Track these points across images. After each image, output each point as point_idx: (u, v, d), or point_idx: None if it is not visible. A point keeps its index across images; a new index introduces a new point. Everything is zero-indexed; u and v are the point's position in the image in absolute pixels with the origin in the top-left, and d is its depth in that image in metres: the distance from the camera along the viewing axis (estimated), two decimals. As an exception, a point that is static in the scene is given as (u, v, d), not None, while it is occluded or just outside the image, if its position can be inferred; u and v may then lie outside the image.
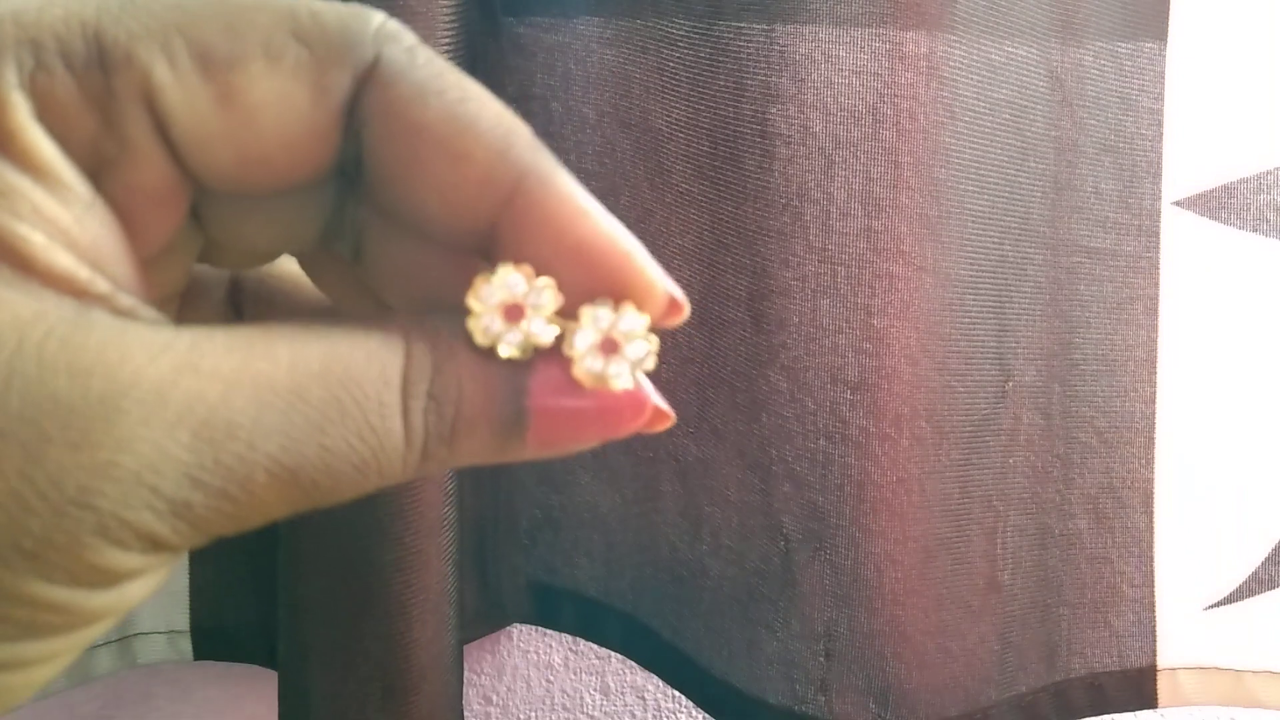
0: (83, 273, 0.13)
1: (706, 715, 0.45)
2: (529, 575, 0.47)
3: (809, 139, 0.37)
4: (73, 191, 0.13)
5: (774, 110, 0.37)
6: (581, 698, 0.50)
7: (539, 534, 0.47)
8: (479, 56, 0.41)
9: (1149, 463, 0.43)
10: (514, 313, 0.15)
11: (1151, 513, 0.43)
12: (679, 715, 0.47)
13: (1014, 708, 0.43)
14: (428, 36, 0.36)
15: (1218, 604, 0.43)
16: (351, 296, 0.18)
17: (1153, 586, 0.43)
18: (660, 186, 0.40)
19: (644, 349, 0.15)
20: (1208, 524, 0.43)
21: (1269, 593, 0.43)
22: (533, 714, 0.50)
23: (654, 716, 0.50)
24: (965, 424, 0.41)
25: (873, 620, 0.41)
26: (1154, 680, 0.43)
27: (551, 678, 0.50)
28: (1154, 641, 0.43)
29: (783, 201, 0.38)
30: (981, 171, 0.40)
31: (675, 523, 0.44)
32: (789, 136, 0.38)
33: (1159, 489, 0.43)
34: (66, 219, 0.13)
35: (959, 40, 0.38)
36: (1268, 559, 0.42)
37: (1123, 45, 0.41)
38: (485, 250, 0.15)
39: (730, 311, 0.40)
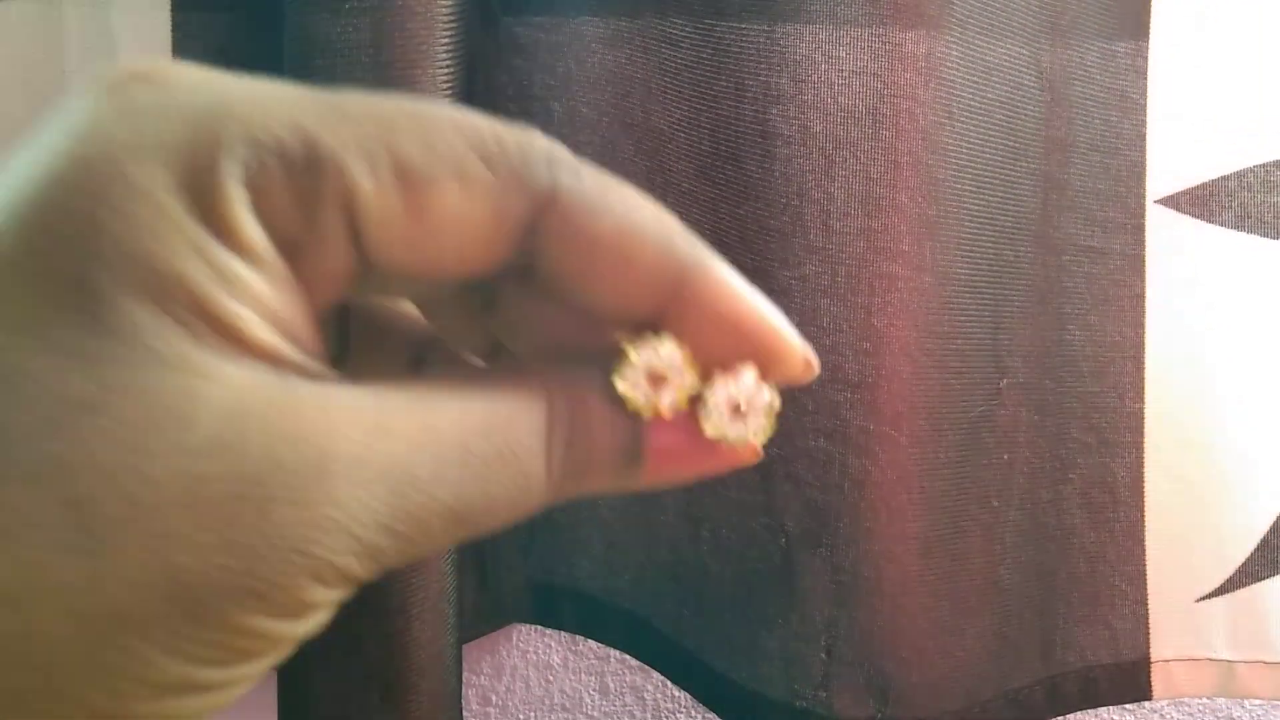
0: (284, 346, 0.15)
1: (707, 714, 0.45)
2: (529, 574, 0.47)
3: (809, 139, 0.38)
4: (277, 275, 0.15)
5: (774, 110, 0.38)
6: (581, 698, 0.50)
7: (539, 533, 0.47)
8: (479, 56, 0.41)
9: (1139, 457, 0.43)
10: (657, 380, 0.17)
11: (1142, 507, 0.44)
12: (678, 715, 0.47)
13: (1009, 703, 0.44)
14: (427, 36, 0.36)
15: (1208, 596, 0.44)
16: (464, 334, 0.20)
17: (1144, 580, 0.44)
18: (661, 186, 0.41)
19: (763, 425, 0.17)
20: (1197, 517, 0.43)
21: (1258, 584, 0.43)
22: (532, 714, 0.50)
23: (653, 717, 0.50)
24: (962, 421, 0.41)
25: (873, 618, 0.41)
26: (1148, 672, 0.44)
27: (551, 678, 0.50)
28: (1147, 634, 0.44)
29: (783, 201, 0.38)
30: (977, 171, 0.40)
31: (675, 522, 0.44)
32: (789, 137, 0.38)
33: (1149, 483, 0.43)
34: (272, 299, 0.15)
35: (956, 40, 0.39)
36: (1255, 550, 0.43)
37: (1106, 44, 0.42)
38: (643, 326, 0.18)
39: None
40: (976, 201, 0.41)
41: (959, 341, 0.41)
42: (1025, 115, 0.41)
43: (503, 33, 0.42)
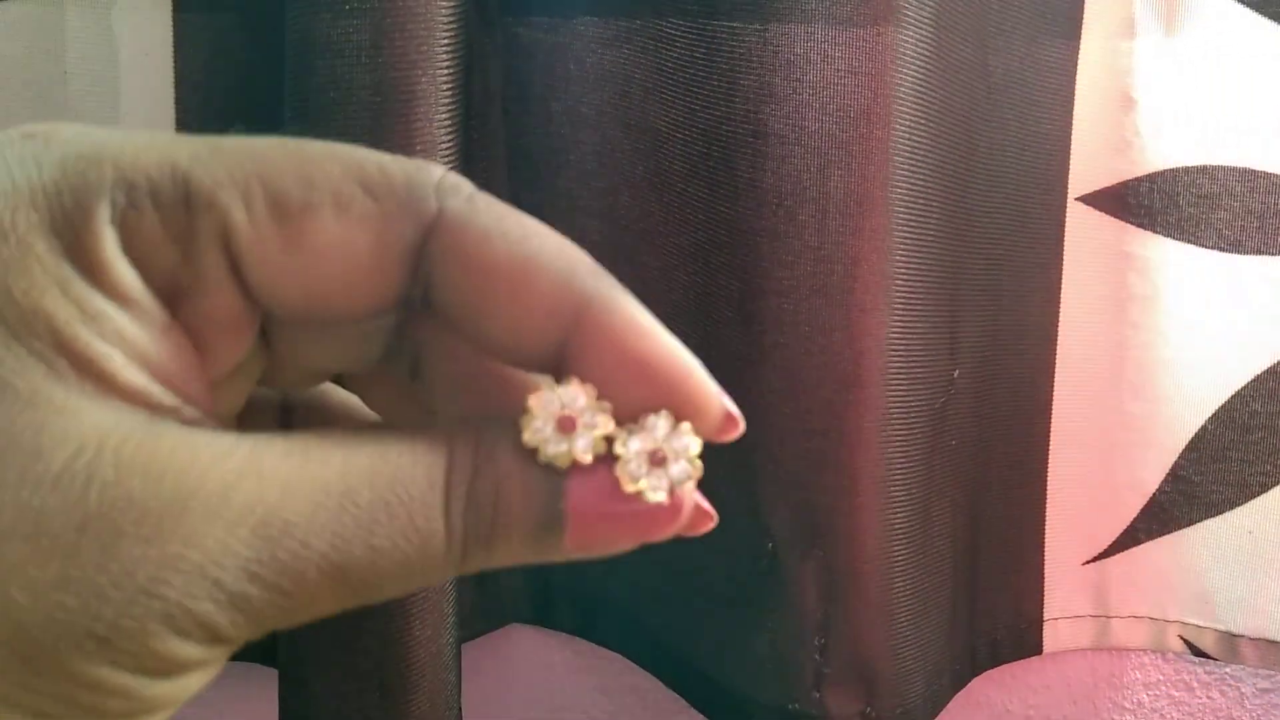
0: (155, 389, 0.15)
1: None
2: (528, 574, 0.47)
3: (804, 138, 0.38)
4: (150, 316, 0.15)
5: (769, 110, 0.38)
6: (581, 698, 0.50)
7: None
8: (479, 57, 0.41)
9: (1046, 431, 0.46)
10: (566, 425, 0.16)
11: (1045, 480, 0.47)
12: (679, 716, 0.47)
13: (952, 677, 0.46)
14: (427, 37, 0.36)
15: (1094, 559, 0.47)
16: (404, 413, 0.19)
17: (1044, 547, 0.47)
18: (658, 186, 0.41)
19: (687, 471, 0.16)
20: (1093, 488, 0.46)
21: (1137, 547, 0.46)
22: (532, 714, 0.50)
23: (654, 716, 0.50)
24: (927, 413, 0.43)
25: (866, 617, 0.41)
26: (1040, 631, 0.48)
27: (551, 678, 0.50)
28: (1041, 597, 0.47)
29: (777, 201, 0.38)
30: (966, 167, 0.41)
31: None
32: (784, 136, 0.38)
33: (1053, 457, 0.46)
34: (144, 340, 0.15)
35: (929, 40, 0.39)
36: (1138, 517, 0.46)
37: (1044, 44, 0.43)
38: (548, 368, 0.16)
39: (724, 311, 0.40)
40: (960, 197, 0.41)
41: (930, 337, 0.42)
42: (977, 115, 0.42)
43: (502, 33, 0.42)
